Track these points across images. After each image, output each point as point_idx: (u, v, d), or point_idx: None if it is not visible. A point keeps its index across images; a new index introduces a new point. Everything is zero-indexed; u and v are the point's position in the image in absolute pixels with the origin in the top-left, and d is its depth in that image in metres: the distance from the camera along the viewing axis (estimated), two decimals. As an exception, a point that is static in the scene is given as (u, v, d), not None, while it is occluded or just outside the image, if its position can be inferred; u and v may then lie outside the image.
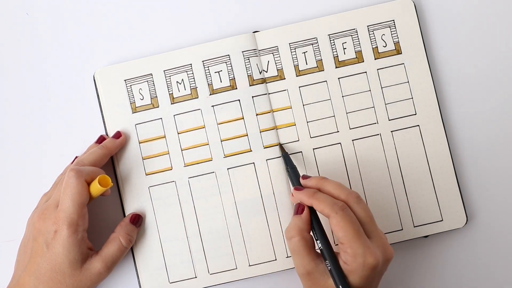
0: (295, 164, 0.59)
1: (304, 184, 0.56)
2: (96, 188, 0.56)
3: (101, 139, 0.61)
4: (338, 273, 0.51)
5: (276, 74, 0.62)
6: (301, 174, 0.58)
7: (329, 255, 0.52)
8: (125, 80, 0.62)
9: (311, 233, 0.54)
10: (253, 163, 0.61)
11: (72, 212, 0.54)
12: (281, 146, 0.61)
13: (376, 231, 0.53)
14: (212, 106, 0.62)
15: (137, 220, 0.60)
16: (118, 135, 0.61)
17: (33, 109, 0.63)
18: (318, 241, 0.54)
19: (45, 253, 0.54)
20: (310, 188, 0.55)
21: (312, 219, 0.54)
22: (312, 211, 0.55)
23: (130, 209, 0.61)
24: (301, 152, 0.62)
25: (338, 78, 0.62)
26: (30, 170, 0.63)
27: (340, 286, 0.51)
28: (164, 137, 0.62)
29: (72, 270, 0.55)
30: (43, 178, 0.62)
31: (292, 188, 0.57)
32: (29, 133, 0.63)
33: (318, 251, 0.54)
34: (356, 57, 0.63)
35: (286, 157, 0.60)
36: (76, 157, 0.61)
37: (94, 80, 0.62)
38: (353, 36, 0.63)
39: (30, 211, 0.59)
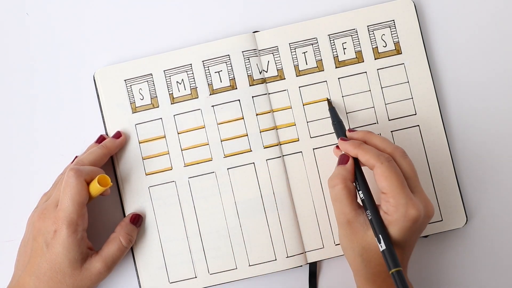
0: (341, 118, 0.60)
1: (350, 136, 0.57)
2: (95, 188, 0.56)
3: (101, 139, 0.61)
4: (379, 223, 0.52)
5: (276, 74, 0.62)
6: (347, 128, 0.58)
7: (370, 205, 0.53)
8: (125, 80, 0.62)
9: (354, 184, 0.55)
10: (253, 163, 0.61)
11: (72, 212, 0.54)
12: (328, 100, 0.61)
13: (419, 187, 0.53)
14: (212, 106, 0.62)
15: (137, 220, 0.60)
16: (118, 135, 0.61)
17: (33, 109, 0.63)
18: (360, 192, 0.54)
19: (45, 253, 0.55)
20: (356, 140, 0.56)
21: (356, 170, 0.55)
22: (355, 162, 0.55)
23: (130, 209, 0.61)
24: (301, 152, 0.62)
25: (338, 78, 0.62)
26: (30, 170, 0.63)
27: (380, 236, 0.51)
28: (164, 137, 0.62)
29: (72, 270, 0.55)
30: (43, 178, 0.62)
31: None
32: (29, 133, 0.63)
33: (360, 202, 0.54)
34: (356, 57, 0.63)
35: (332, 110, 0.60)
36: (76, 157, 0.61)
37: (94, 80, 0.62)
38: (353, 36, 0.63)
39: (30, 211, 0.59)
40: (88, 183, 0.56)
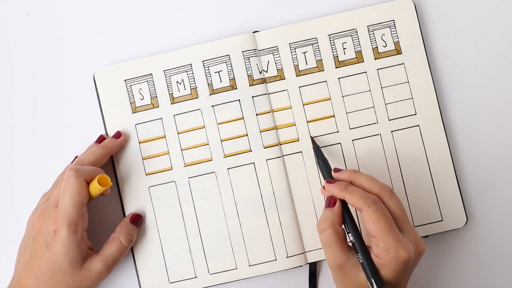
0: (326, 157, 0.59)
1: (336, 177, 0.57)
2: (95, 188, 0.56)
3: (101, 139, 0.61)
4: (370, 267, 0.51)
5: (276, 74, 0.62)
6: (332, 168, 0.58)
7: (361, 248, 0.52)
8: (125, 80, 0.62)
9: (343, 226, 0.54)
10: (253, 163, 0.61)
11: (72, 212, 0.54)
12: (312, 139, 0.61)
13: (408, 225, 0.53)
14: (212, 106, 0.62)
15: (137, 220, 0.60)
16: (118, 135, 0.61)
17: (33, 109, 0.63)
18: (350, 234, 0.54)
19: (45, 253, 0.55)
20: (342, 181, 0.55)
21: (344, 212, 0.54)
22: (343, 204, 0.55)
23: (130, 209, 0.61)
24: (301, 152, 0.62)
25: (338, 78, 0.62)
26: (30, 170, 0.63)
27: (372, 280, 0.51)
28: (164, 137, 0.62)
29: (72, 270, 0.55)
30: (43, 178, 0.62)
31: (323, 181, 0.58)
32: (29, 133, 0.63)
33: (350, 244, 0.54)
34: (356, 57, 0.63)
35: (317, 150, 0.60)
36: (76, 157, 0.61)
37: (94, 80, 0.62)
38: (353, 36, 0.63)
39: (30, 211, 0.59)
40: (88, 183, 0.56)
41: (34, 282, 0.54)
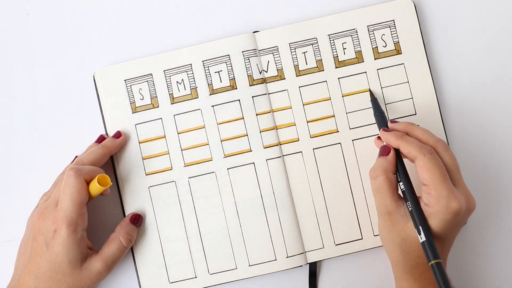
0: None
1: (392, 127, 0.57)
2: (95, 187, 0.56)
3: (101, 139, 0.61)
4: (419, 214, 0.52)
5: (276, 74, 0.62)
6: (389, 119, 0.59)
7: (411, 196, 0.53)
8: (125, 80, 0.62)
9: (395, 175, 0.55)
10: (253, 163, 0.61)
11: (72, 211, 0.54)
12: (370, 91, 0.61)
13: (461, 180, 0.54)
14: (212, 106, 0.62)
15: (137, 220, 0.60)
16: (118, 134, 0.61)
17: (33, 109, 0.63)
18: (401, 183, 0.54)
19: (44, 253, 0.55)
20: (398, 131, 0.56)
21: (397, 161, 0.55)
22: (397, 154, 0.55)
23: (130, 209, 0.61)
24: (301, 152, 0.62)
25: (338, 78, 0.62)
26: (30, 170, 0.63)
27: (420, 227, 0.51)
28: (164, 137, 0.62)
29: (72, 269, 0.55)
30: (43, 178, 0.62)
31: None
32: (29, 133, 0.63)
33: (401, 194, 0.54)
34: (356, 57, 0.63)
35: (374, 101, 0.60)
36: (76, 156, 0.61)
37: (94, 80, 0.62)
38: (353, 36, 0.63)
39: (30, 211, 0.59)
40: (88, 183, 0.56)
41: (34, 282, 0.54)
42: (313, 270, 0.62)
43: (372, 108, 0.61)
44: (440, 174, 0.51)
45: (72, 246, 0.55)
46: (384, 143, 0.56)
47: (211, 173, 0.61)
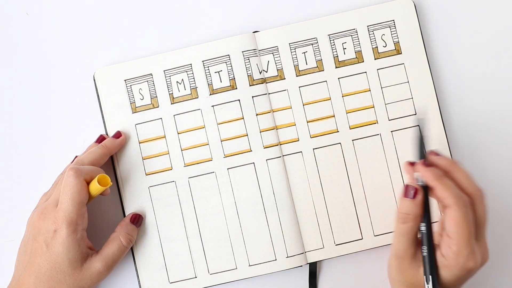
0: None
1: (434, 161, 0.53)
2: (95, 188, 0.56)
3: (101, 139, 0.61)
4: (431, 264, 0.51)
5: (276, 74, 0.62)
6: (428, 149, 0.54)
7: (429, 243, 0.51)
8: (125, 80, 0.62)
9: None
10: (253, 163, 0.61)
11: (72, 211, 0.54)
12: (418, 111, 0.60)
13: (483, 234, 0.52)
14: (212, 106, 0.62)
15: (137, 219, 0.60)
16: (118, 134, 0.61)
17: (33, 109, 0.63)
18: (423, 225, 0.52)
19: (45, 253, 0.55)
20: (439, 167, 0.53)
21: (424, 203, 0.52)
22: (424, 191, 0.52)
23: (130, 209, 0.61)
24: (301, 152, 0.62)
25: (338, 78, 0.62)
26: (30, 170, 0.63)
27: (430, 276, 0.50)
28: (164, 137, 0.62)
29: (72, 269, 0.55)
30: (43, 177, 0.62)
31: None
32: (29, 133, 0.63)
33: (419, 235, 0.53)
34: (356, 57, 0.63)
35: (421, 123, 0.55)
36: (76, 156, 0.61)
37: (94, 80, 0.62)
38: (353, 36, 0.63)
39: (30, 211, 0.59)
40: (88, 183, 0.56)
41: (34, 282, 0.54)
42: (313, 270, 0.62)
43: (415, 130, 0.58)
44: (468, 233, 0.49)
45: (72, 246, 0.55)
46: (413, 183, 0.53)
47: (211, 173, 0.61)
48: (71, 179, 0.55)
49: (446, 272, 0.50)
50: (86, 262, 0.56)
